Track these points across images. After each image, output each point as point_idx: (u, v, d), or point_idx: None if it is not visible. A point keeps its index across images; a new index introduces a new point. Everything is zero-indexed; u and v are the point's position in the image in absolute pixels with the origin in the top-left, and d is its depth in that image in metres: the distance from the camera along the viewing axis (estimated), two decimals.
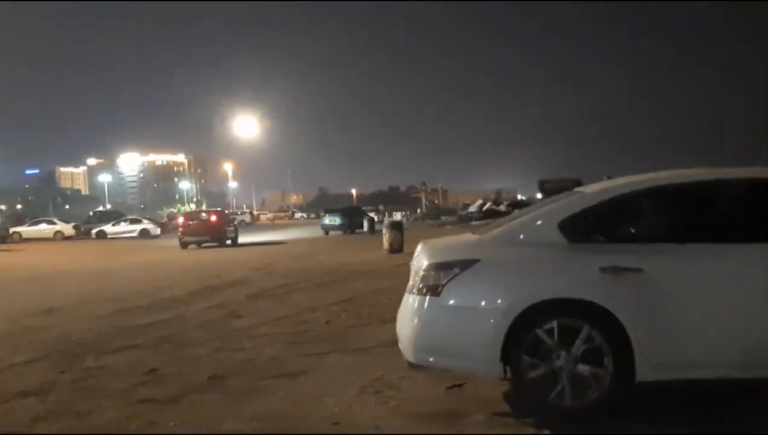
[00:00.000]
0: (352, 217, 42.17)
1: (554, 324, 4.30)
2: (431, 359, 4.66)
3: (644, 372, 4.22)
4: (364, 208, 57.70)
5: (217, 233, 30.08)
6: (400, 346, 4.89)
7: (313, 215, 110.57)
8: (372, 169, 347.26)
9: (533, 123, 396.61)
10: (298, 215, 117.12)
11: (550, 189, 25.43)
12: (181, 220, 32.35)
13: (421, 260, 4.77)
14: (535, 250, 4.53)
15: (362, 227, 40.08)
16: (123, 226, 46.25)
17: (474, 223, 43.09)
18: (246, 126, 75.86)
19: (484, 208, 49.68)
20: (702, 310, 4.24)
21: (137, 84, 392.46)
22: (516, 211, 36.30)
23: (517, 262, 4.55)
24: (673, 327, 4.23)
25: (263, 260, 19.98)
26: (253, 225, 67.00)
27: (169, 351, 7.20)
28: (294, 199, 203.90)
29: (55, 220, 51.05)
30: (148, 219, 52.80)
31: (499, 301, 4.40)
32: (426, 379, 5.40)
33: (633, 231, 4.66)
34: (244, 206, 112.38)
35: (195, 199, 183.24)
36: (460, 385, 5.18)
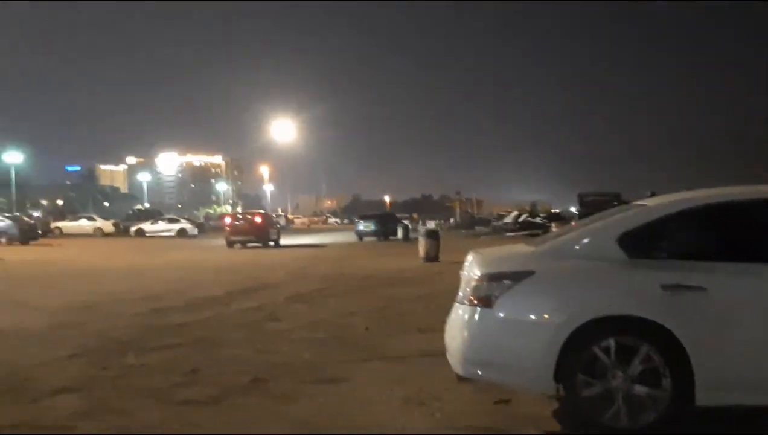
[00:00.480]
0: (387, 223, 42.06)
1: (611, 342, 4.15)
2: (479, 372, 4.54)
3: (704, 396, 4.04)
4: (398, 215, 57.51)
5: (262, 234, 31.30)
6: (449, 357, 4.78)
7: (346, 221, 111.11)
8: (405, 177, 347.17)
9: (566, 137, 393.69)
10: (331, 220, 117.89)
11: (589, 202, 25.09)
12: (228, 220, 33.49)
13: (473, 270, 4.65)
14: (593, 264, 4.37)
15: (396, 234, 39.92)
16: (161, 225, 46.85)
17: (509, 234, 42.73)
18: (283, 130, 76.10)
19: (520, 219, 49.12)
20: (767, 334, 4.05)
21: (178, 85, 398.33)
22: (553, 224, 35.99)
23: (574, 276, 4.40)
24: (736, 350, 4.05)
25: (300, 263, 20.02)
26: (288, 228, 67.32)
27: (208, 351, 7.17)
28: (328, 204, 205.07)
29: (95, 216, 51.88)
30: (186, 219, 53.42)
31: (554, 315, 4.26)
32: (471, 392, 5.28)
33: (695, 248, 4.46)
34: (279, 209, 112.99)
35: (231, 201, 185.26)
36: (506, 401, 5.04)
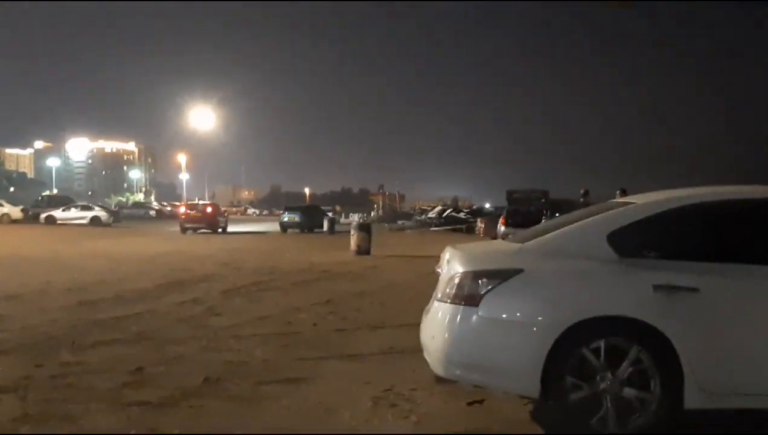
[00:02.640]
0: (312, 216, 41.72)
1: (601, 343, 4.03)
2: (458, 373, 4.34)
3: (693, 399, 3.97)
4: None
5: (212, 222, 36.11)
6: (427, 357, 4.57)
7: (265, 212, 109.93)
8: (324, 170, 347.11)
9: (483, 136, 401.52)
10: (250, 211, 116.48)
11: (518, 199, 25.44)
12: (182, 209, 39.39)
13: (454, 267, 4.44)
14: (583, 263, 4.23)
15: (321, 227, 39.62)
16: (73, 212, 44.70)
17: (434, 228, 43.07)
18: (200, 119, 73.87)
19: (445, 214, 49.57)
20: (761, 337, 4.02)
21: (91, 69, 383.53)
22: (478, 219, 36.47)
23: (564, 275, 4.25)
24: (728, 353, 3.99)
25: (234, 255, 19.33)
26: None
27: (151, 348, 6.71)
28: (245, 194, 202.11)
29: (2, 202, 49.05)
30: (100, 206, 51.32)
31: (543, 315, 4.11)
32: (441, 392, 5.11)
33: (688, 248, 4.37)
34: (197, 199, 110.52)
35: (144, 189, 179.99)
36: (480, 401, 4.88)
